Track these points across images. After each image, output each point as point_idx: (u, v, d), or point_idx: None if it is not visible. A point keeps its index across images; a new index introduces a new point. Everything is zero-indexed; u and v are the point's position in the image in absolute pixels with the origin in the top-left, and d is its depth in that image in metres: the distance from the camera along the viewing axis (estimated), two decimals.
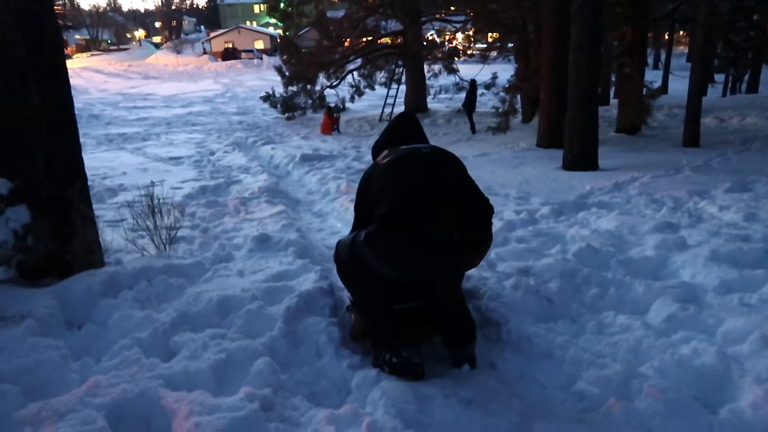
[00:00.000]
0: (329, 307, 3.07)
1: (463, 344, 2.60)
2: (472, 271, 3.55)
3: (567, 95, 8.01)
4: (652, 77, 16.53)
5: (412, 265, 2.37)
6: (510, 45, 17.59)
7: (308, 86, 17.12)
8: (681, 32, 29.04)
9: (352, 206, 2.81)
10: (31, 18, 3.20)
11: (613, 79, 16.95)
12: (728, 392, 2.25)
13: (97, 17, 68.55)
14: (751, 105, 16.62)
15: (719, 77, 29.57)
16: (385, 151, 2.72)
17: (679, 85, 17.00)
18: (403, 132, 2.79)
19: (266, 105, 18.06)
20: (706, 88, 22.95)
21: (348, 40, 17.40)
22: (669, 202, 5.45)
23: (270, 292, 3.18)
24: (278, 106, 17.54)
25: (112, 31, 70.03)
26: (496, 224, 4.71)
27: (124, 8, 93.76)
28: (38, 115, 3.31)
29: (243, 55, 50.47)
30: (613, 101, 16.81)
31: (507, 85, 13.66)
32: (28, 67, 3.21)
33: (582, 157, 7.81)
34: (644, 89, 12.33)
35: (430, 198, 2.36)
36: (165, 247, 4.18)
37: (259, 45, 55.32)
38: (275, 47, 35.92)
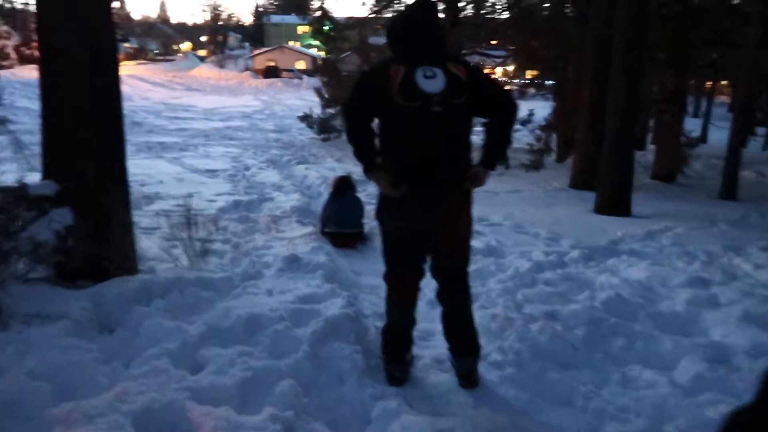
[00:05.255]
0: (354, 333, 3.09)
1: (470, 353, 2.77)
2: (498, 311, 3.55)
3: (603, 138, 7.99)
4: (692, 126, 16.34)
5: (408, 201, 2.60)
6: (549, 83, 17.63)
7: None
8: (723, 82, 28.66)
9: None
10: (92, 34, 3.39)
11: (651, 124, 16.83)
12: None
13: (147, 27, 70.96)
14: None
15: (761, 130, 29.01)
16: None
17: (719, 136, 16.75)
18: None
19: (303, 125, 18.32)
20: (747, 140, 22.55)
21: None
22: (702, 255, 5.35)
23: (297, 314, 3.22)
24: (315, 126, 17.79)
25: (160, 42, 72.24)
26: (524, 264, 4.69)
27: (173, 21, 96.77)
28: (93, 121, 3.47)
29: (284, 74, 51.41)
30: (650, 147, 16.64)
31: (543, 123, 13.64)
32: (92, 77, 3.38)
33: (615, 202, 7.73)
34: (683, 137, 12.21)
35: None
36: (197, 260, 4.27)
37: (301, 65, 56.31)
38: (315, 68, 36.58)
